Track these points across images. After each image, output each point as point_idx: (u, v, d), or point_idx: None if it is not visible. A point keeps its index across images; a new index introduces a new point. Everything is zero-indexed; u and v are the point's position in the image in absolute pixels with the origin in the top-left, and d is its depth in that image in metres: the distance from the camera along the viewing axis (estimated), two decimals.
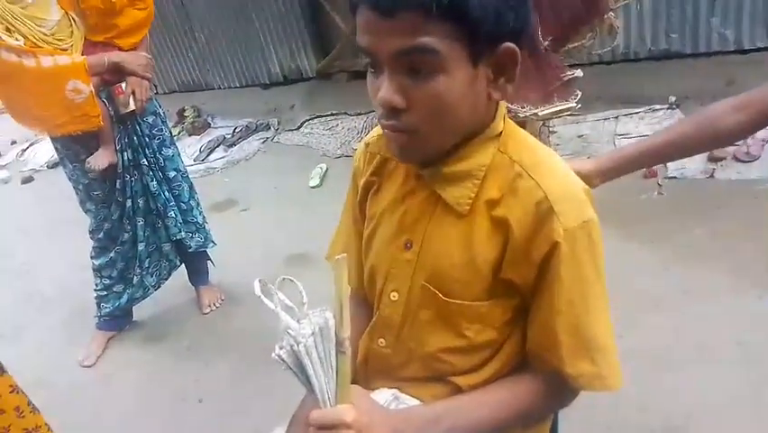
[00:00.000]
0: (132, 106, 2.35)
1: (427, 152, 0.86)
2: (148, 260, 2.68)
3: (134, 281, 2.68)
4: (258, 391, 2.28)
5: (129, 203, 2.52)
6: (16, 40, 2.09)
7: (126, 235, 2.58)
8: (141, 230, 2.59)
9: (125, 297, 2.71)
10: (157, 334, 2.81)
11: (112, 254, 2.61)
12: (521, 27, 0.78)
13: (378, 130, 1.02)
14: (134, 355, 2.71)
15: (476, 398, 0.93)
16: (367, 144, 1.06)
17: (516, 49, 0.78)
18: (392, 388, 1.00)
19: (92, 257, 2.65)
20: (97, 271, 2.66)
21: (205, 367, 2.51)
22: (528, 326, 0.92)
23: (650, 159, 1.31)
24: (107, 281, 2.66)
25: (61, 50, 2.20)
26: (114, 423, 2.32)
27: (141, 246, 2.61)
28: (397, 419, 0.87)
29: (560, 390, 0.92)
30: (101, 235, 2.58)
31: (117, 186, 2.48)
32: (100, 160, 2.37)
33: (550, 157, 0.90)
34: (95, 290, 2.70)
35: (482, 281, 0.89)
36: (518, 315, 0.93)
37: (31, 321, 3.07)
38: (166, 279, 2.81)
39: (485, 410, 0.91)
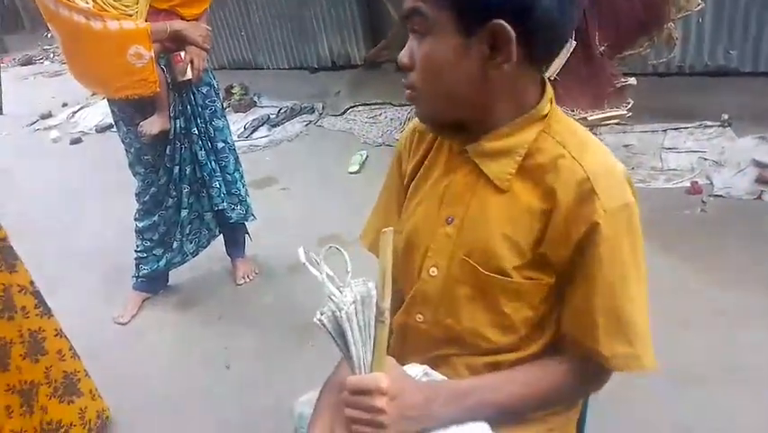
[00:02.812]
0: (189, 75, 2.41)
1: (429, 111, 0.93)
2: (189, 227, 2.74)
3: (174, 246, 2.75)
4: (282, 364, 2.33)
5: (176, 170, 2.58)
6: (86, 2, 2.16)
7: (171, 201, 2.64)
8: (186, 197, 2.65)
9: (164, 260, 2.78)
10: (190, 300, 2.88)
11: (155, 218, 2.68)
12: (512, 6, 0.78)
13: None
14: (167, 318, 2.79)
15: (505, 375, 0.95)
16: (415, 128, 1.08)
17: (506, 26, 0.79)
18: (423, 364, 1.02)
19: (135, 219, 2.73)
20: (139, 232, 2.73)
21: (235, 336, 2.56)
22: (563, 307, 0.93)
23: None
24: (148, 244, 2.74)
25: (127, 15, 2.26)
26: (143, 380, 2.39)
27: (183, 213, 2.67)
28: (427, 391, 0.90)
29: (590, 372, 0.93)
30: (146, 198, 2.65)
31: (167, 152, 2.54)
32: (154, 125, 2.43)
33: (593, 140, 0.92)
34: (135, 251, 2.78)
35: (521, 257, 0.91)
36: (554, 295, 0.94)
37: (71, 278, 3.17)
38: (205, 247, 2.87)
39: (513, 387, 0.92)
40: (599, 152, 0.90)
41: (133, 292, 2.87)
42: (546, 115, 0.91)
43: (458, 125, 0.93)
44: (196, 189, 2.68)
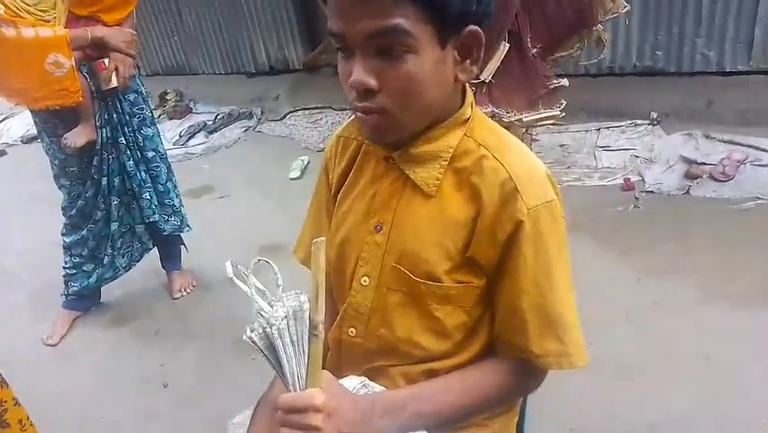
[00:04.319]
0: (114, 83, 2.31)
1: (398, 131, 0.88)
2: (120, 240, 2.63)
3: (105, 261, 2.62)
4: (223, 378, 2.25)
5: (104, 181, 2.47)
6: None
7: (99, 214, 2.53)
8: (116, 210, 2.54)
9: (95, 277, 2.65)
10: (124, 316, 2.76)
11: (84, 232, 2.55)
12: (484, 10, 0.82)
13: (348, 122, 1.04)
14: (100, 337, 2.66)
15: (442, 383, 0.94)
16: (338, 136, 1.07)
17: (480, 31, 0.82)
18: (360, 376, 0.99)
19: (63, 234, 2.60)
20: (67, 248, 2.60)
21: (172, 352, 2.47)
22: (495, 308, 0.94)
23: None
24: (77, 260, 2.61)
25: (44, 21, 2.14)
26: (76, 403, 2.27)
27: (113, 226, 2.56)
28: (364, 404, 0.87)
29: (526, 373, 0.94)
30: (73, 212, 2.52)
31: (94, 163, 2.43)
32: (79, 136, 2.32)
33: (514, 141, 0.94)
34: (63, 267, 2.65)
35: (451, 261, 0.91)
36: (486, 298, 0.94)
37: None
38: (137, 261, 2.76)
39: (451, 396, 0.92)
40: (521, 153, 0.92)
41: (63, 311, 2.73)
42: (468, 119, 0.92)
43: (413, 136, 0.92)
44: (126, 201, 2.57)
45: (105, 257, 2.62)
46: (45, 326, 2.68)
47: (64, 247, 2.61)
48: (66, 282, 2.67)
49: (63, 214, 2.56)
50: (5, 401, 1.76)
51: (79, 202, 2.49)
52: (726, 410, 1.80)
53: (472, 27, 0.81)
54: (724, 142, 3.23)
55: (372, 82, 0.81)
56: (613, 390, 1.90)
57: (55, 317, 2.71)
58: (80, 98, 2.20)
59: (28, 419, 1.88)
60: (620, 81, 3.97)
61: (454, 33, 0.81)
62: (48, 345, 2.62)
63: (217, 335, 2.49)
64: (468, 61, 0.84)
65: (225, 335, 2.46)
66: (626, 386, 1.93)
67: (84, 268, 2.63)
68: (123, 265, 2.70)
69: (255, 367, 2.19)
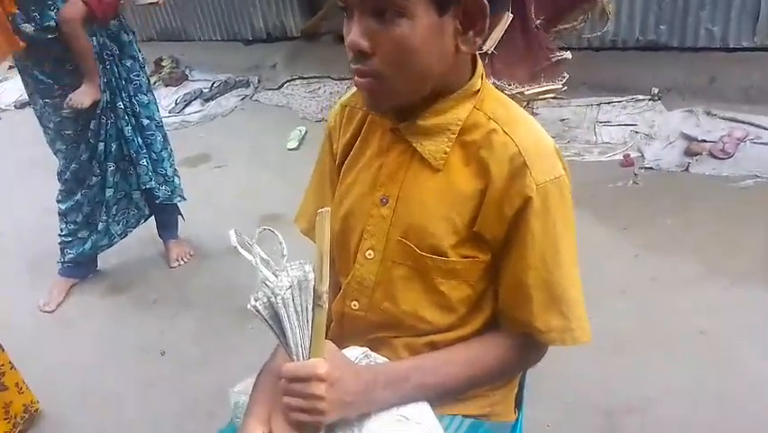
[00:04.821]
0: None
1: (394, 98, 0.87)
2: (116, 207, 2.61)
3: (99, 228, 2.61)
4: (222, 346, 2.26)
5: (101, 146, 2.44)
6: None
7: (95, 179, 2.51)
8: (111, 175, 2.51)
9: (90, 243, 2.64)
10: (121, 284, 2.75)
11: (78, 197, 2.53)
12: None
13: (352, 90, 1.01)
14: (97, 304, 2.66)
15: (445, 355, 0.94)
16: (343, 105, 1.05)
17: (485, 0, 0.79)
18: (363, 347, 0.99)
19: (58, 201, 2.58)
20: (63, 215, 2.58)
21: (170, 321, 2.47)
22: (499, 283, 0.93)
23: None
24: (72, 226, 2.59)
25: None
26: (73, 371, 2.28)
27: (109, 192, 2.54)
28: (367, 375, 0.87)
29: (528, 347, 0.94)
30: (68, 177, 2.50)
31: (91, 126, 2.40)
32: (84, 96, 2.29)
33: (524, 115, 0.92)
34: (59, 235, 2.63)
35: (457, 235, 0.90)
36: (491, 272, 0.93)
37: None
38: (133, 227, 2.74)
39: (454, 368, 0.92)
40: (530, 127, 0.90)
41: (59, 278, 2.72)
42: (478, 91, 0.90)
43: (412, 105, 0.90)
44: (123, 167, 2.55)
45: (100, 223, 2.60)
46: (42, 293, 2.68)
47: (59, 214, 2.60)
48: (62, 249, 2.66)
49: (58, 179, 2.54)
50: (2, 365, 1.77)
51: (73, 165, 2.47)
52: (725, 386, 1.81)
53: None
54: (725, 119, 3.22)
55: (365, 44, 0.80)
56: (610, 364, 1.92)
57: (51, 284, 2.70)
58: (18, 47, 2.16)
59: (24, 382, 1.90)
60: (623, 55, 3.92)
61: (454, 1, 0.79)
62: (44, 311, 2.62)
63: (215, 303, 2.50)
64: (471, 33, 0.82)
65: (223, 303, 2.46)
66: (624, 361, 1.94)
67: (79, 235, 2.62)
68: (119, 232, 2.69)
69: (254, 335, 2.20)
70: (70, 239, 2.62)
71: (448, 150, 0.89)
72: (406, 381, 0.89)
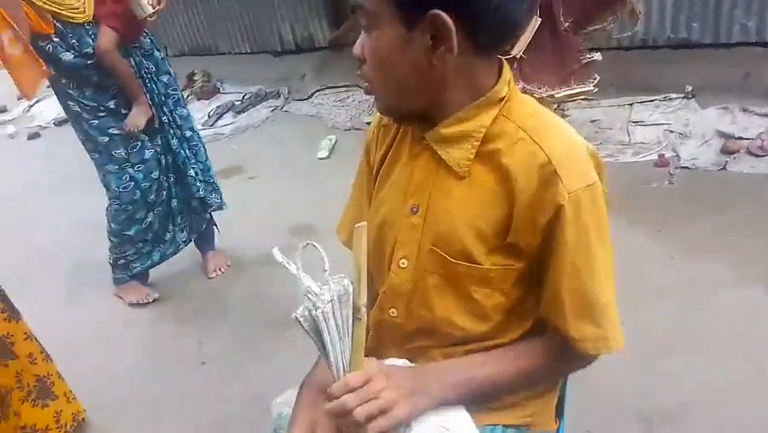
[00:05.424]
0: (150, 9, 2.24)
1: (385, 103, 0.92)
2: (180, 216, 2.71)
3: (167, 237, 2.71)
4: (260, 356, 2.30)
5: (162, 160, 2.54)
6: None
7: (164, 194, 2.61)
8: (173, 186, 2.62)
9: (157, 255, 2.73)
10: (162, 296, 2.81)
11: (150, 219, 2.60)
12: None
13: None
14: (138, 315, 2.72)
15: (493, 352, 0.95)
16: (381, 118, 1.07)
17: (443, 16, 0.76)
18: (402, 358, 1.00)
19: (120, 227, 2.57)
20: (130, 240, 2.60)
21: (209, 332, 2.52)
22: (539, 291, 0.93)
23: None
24: (140, 245, 2.65)
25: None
26: (116, 378, 2.34)
27: (174, 203, 2.65)
28: (417, 368, 0.95)
29: (567, 353, 0.93)
30: (135, 199, 2.51)
31: (147, 146, 2.49)
32: (137, 118, 2.38)
33: (554, 121, 0.91)
34: (123, 255, 2.65)
35: (487, 243, 0.90)
36: (527, 280, 0.93)
37: (34, 277, 3.07)
38: (197, 233, 2.82)
39: (502, 362, 0.94)
40: (560, 133, 0.88)
41: (131, 283, 2.75)
42: (504, 98, 0.89)
43: (419, 114, 0.91)
44: (179, 178, 2.64)
45: (167, 234, 2.70)
46: (83, 305, 2.76)
47: (126, 240, 2.60)
48: (125, 265, 2.68)
49: (118, 206, 2.52)
50: (13, 335, 1.81)
51: (138, 189, 2.50)
52: (762, 390, 1.78)
53: (434, 12, 0.76)
54: (762, 115, 3.14)
55: (358, 52, 0.88)
56: (648, 368, 1.89)
57: (129, 288, 2.75)
58: (47, 71, 2.23)
59: (42, 352, 1.91)
60: (653, 54, 3.87)
61: (416, 16, 0.78)
62: (143, 303, 2.72)
63: (252, 313, 2.54)
64: (442, 48, 0.80)
65: (260, 312, 2.51)
66: (660, 364, 1.92)
67: (145, 250, 2.69)
68: (184, 239, 2.79)
69: (291, 343, 2.23)
70: (137, 256, 2.69)
71: (472, 156, 0.89)
72: (454, 373, 0.92)
